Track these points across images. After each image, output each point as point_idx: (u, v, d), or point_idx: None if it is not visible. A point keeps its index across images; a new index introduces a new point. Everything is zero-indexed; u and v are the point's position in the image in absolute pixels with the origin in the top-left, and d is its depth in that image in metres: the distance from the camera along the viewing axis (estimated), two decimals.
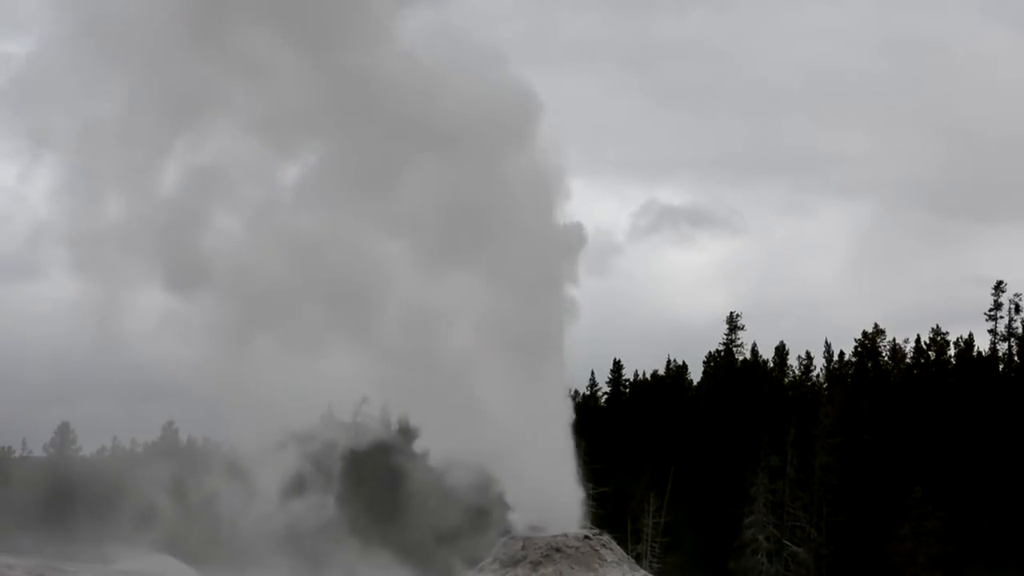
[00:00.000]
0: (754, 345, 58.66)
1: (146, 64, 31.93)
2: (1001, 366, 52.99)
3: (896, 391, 53.19)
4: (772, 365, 58.65)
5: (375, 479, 42.53)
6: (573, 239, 32.63)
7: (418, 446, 32.00)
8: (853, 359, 56.65)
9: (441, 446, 30.70)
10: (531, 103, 32.25)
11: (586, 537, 29.32)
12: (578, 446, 31.41)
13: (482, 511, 31.70)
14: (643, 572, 30.24)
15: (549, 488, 29.89)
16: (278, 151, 32.64)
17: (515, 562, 28.66)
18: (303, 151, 32.80)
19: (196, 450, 39.64)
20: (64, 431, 57.30)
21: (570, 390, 33.47)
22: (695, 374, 60.17)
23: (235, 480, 32.90)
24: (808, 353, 58.34)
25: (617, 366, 61.64)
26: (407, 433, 33.23)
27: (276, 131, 32.23)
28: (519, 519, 30.00)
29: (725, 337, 58.48)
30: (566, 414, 31.38)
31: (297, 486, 33.79)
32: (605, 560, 28.68)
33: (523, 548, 28.90)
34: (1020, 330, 52.84)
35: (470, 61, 31.74)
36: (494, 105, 31.68)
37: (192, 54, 31.95)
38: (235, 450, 32.77)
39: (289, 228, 32.45)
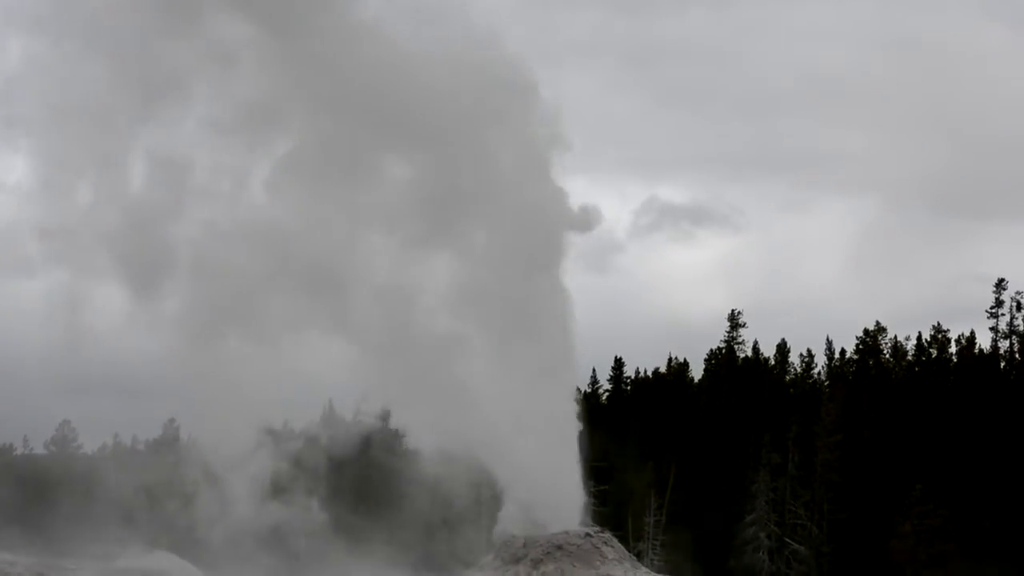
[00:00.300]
0: (755, 343, 58.76)
1: (117, 51, 31.78)
2: (1002, 364, 52.96)
3: (897, 389, 53.17)
4: (773, 363, 58.64)
5: (366, 477, 42.36)
6: (570, 217, 32.15)
7: (410, 442, 31.78)
8: (854, 357, 56.67)
9: (429, 439, 30.49)
10: (520, 78, 31.80)
11: (587, 535, 29.27)
12: (580, 444, 31.28)
13: (475, 507, 31.48)
14: (644, 570, 30.19)
15: (547, 481, 29.72)
16: (252, 138, 32.32)
17: (516, 560, 28.61)
18: (278, 138, 32.43)
19: (178, 448, 39.31)
20: (65, 428, 57.14)
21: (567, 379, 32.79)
22: (696, 372, 60.29)
23: (221, 479, 32.61)
24: (809, 351, 58.42)
25: (618, 364, 61.72)
26: (400, 431, 32.97)
27: (249, 118, 31.91)
28: (513, 515, 29.84)
29: (726, 335, 58.53)
30: (567, 402, 31.09)
31: (285, 485, 33.47)
32: (606, 558, 28.64)
33: (524, 546, 28.85)
34: (1021, 328, 52.82)
35: (453, 40, 31.38)
36: (479, 82, 31.25)
37: (163, 40, 31.73)
38: (220, 448, 32.50)
39: (265, 217, 32.15)
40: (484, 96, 31.25)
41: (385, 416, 34.59)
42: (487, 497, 30.84)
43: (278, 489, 33.13)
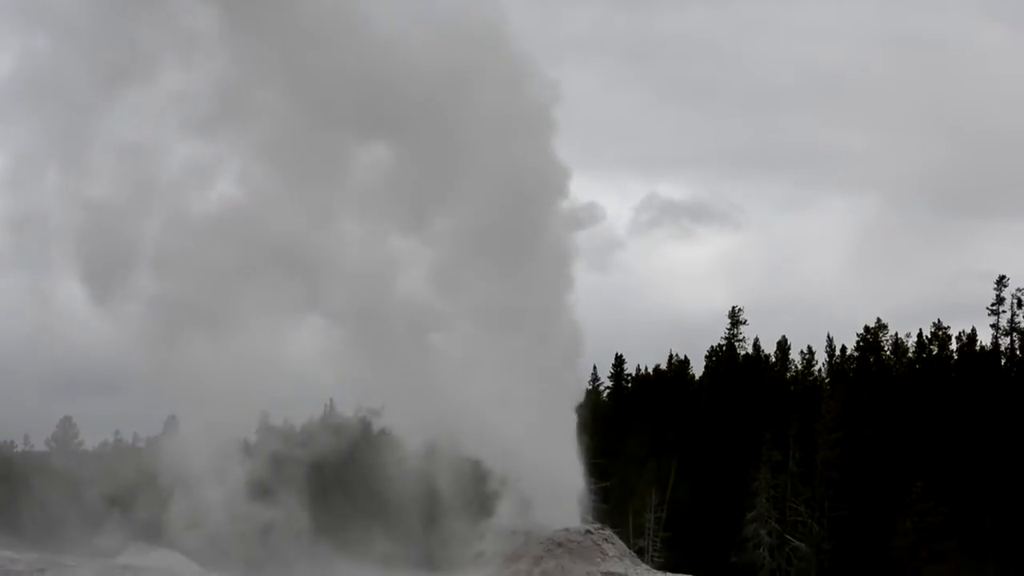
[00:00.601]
0: (756, 340, 58.69)
1: (83, 38, 31.43)
2: (1003, 361, 52.93)
3: (898, 386, 53.13)
4: (774, 360, 58.61)
5: (355, 474, 41.95)
6: (562, 187, 31.15)
7: (399, 438, 31.33)
8: (855, 354, 56.63)
9: (422, 435, 30.15)
10: (507, 48, 30.88)
11: (588, 531, 29.24)
12: (580, 441, 31.20)
13: (472, 503, 31.18)
14: (645, 567, 30.20)
15: (547, 477, 29.58)
16: (225, 125, 31.75)
17: (517, 556, 28.59)
18: (252, 124, 31.71)
19: (154, 448, 38.71)
20: (66, 425, 57.02)
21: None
22: (697, 369, 60.24)
23: (197, 479, 32.17)
24: (810, 348, 58.39)
25: (619, 361, 61.67)
26: (388, 428, 32.46)
27: (220, 104, 31.32)
28: (513, 511, 29.69)
29: (727, 332, 58.47)
30: (566, 395, 30.72)
31: (266, 485, 33.00)
32: (607, 554, 28.62)
33: (525, 542, 28.82)
34: (1022, 325, 52.80)
35: (433, 17, 30.65)
36: (463, 57, 30.41)
37: (128, 25, 31.31)
38: (197, 447, 32.08)
39: (239, 206, 31.54)
40: (469, 72, 30.44)
41: (376, 412, 34.13)
42: (484, 493, 30.63)
43: (256, 489, 32.64)
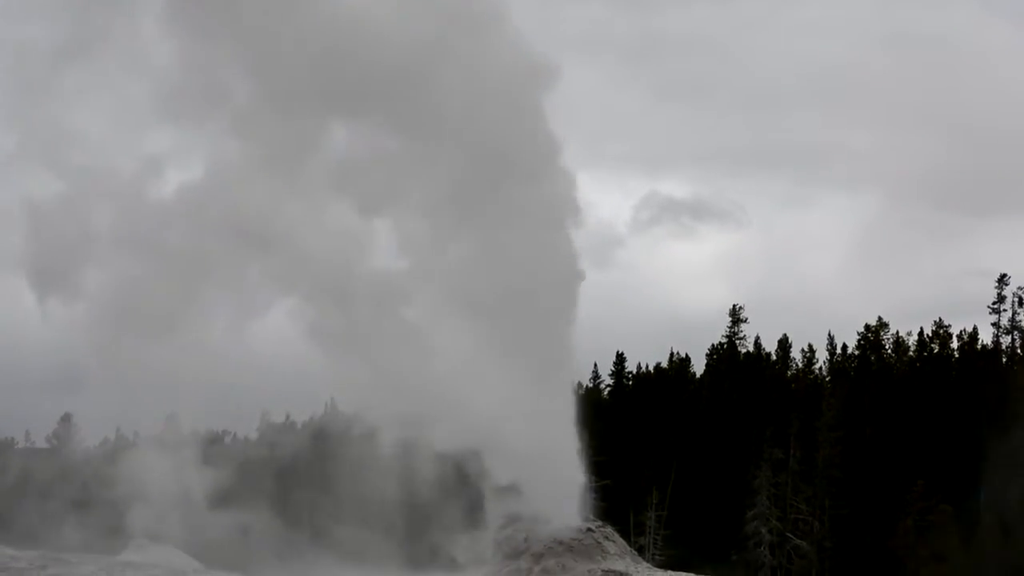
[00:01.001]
0: (757, 338, 58.76)
1: (44, 14, 30.82)
2: (1004, 359, 52.98)
3: (899, 384, 53.16)
4: (775, 358, 58.64)
5: (348, 476, 41.57)
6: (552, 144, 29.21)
7: (393, 438, 30.87)
8: (856, 352, 56.67)
9: (414, 432, 29.68)
10: (487, 17, 29.15)
11: (588, 529, 29.18)
12: (581, 439, 31.13)
13: (468, 502, 30.89)
14: (646, 565, 30.12)
15: (546, 475, 29.43)
16: (192, 105, 30.33)
17: (517, 554, 28.50)
18: (222, 104, 30.15)
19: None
20: (67, 422, 57.00)
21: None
22: (698, 367, 60.26)
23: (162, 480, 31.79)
24: (811, 346, 58.41)
25: (620, 358, 61.65)
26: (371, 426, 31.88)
27: (185, 83, 29.91)
28: (512, 510, 29.59)
29: (728, 330, 58.51)
30: (563, 390, 30.43)
31: (236, 490, 32.57)
32: (608, 552, 28.54)
33: (525, 540, 28.76)
34: (1023, 323, 52.83)
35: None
36: (437, 16, 29.09)
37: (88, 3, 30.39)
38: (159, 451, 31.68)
39: (210, 190, 30.13)
40: (450, 42, 28.90)
41: (371, 408, 33.41)
42: (482, 490, 30.48)
43: (221, 494, 32.14)
